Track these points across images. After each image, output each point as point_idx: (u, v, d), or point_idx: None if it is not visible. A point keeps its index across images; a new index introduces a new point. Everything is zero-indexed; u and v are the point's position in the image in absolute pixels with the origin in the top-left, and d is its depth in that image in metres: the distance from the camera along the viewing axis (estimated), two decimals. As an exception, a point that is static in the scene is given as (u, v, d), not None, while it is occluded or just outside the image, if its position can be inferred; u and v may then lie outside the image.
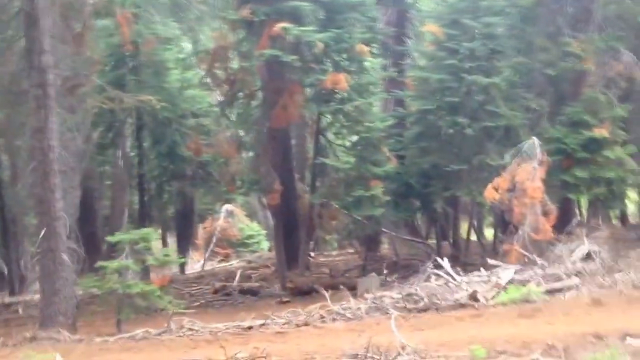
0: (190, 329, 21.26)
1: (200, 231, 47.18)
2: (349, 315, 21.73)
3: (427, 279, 25.00)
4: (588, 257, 24.80)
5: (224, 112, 32.30)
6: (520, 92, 30.86)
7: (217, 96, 33.99)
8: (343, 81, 28.11)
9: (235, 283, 32.37)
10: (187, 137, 33.44)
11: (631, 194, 37.96)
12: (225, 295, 31.16)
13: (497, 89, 29.72)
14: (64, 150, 22.66)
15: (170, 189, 36.84)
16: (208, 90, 33.81)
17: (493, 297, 21.47)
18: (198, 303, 29.76)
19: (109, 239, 23.87)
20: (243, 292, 31.19)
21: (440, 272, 24.78)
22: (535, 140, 26.67)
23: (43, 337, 20.75)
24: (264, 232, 49.81)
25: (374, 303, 22.31)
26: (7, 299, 31.74)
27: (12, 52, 26.02)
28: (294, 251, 31.91)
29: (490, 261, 25.94)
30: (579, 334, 15.59)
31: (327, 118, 32.01)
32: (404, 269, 30.58)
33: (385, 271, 28.59)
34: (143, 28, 32.57)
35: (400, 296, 22.38)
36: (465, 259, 30.57)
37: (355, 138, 31.87)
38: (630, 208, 40.27)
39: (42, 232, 21.98)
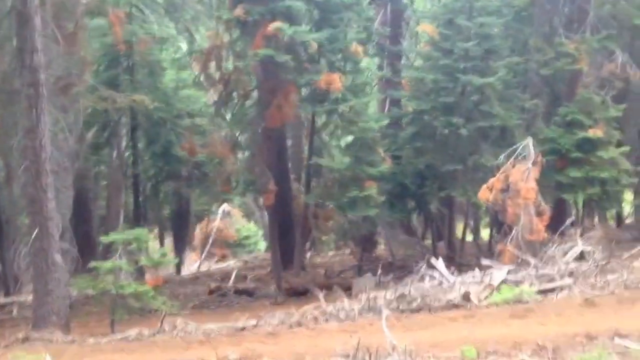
0: (184, 330, 21.22)
1: (197, 232, 47.25)
2: (342, 315, 21.69)
3: (421, 280, 25.00)
4: (581, 257, 24.82)
5: (219, 112, 32.29)
6: (515, 93, 30.90)
7: (212, 96, 33.97)
8: (337, 81, 28.06)
9: (230, 284, 32.38)
10: (182, 137, 33.42)
11: (627, 194, 37.88)
12: (220, 296, 31.12)
13: (491, 89, 29.70)
14: (56, 150, 22.61)
15: (165, 189, 36.85)
16: (203, 90, 33.80)
17: (486, 298, 21.45)
18: (193, 304, 29.73)
19: (102, 239, 23.85)
20: (238, 292, 31.15)
21: (434, 273, 24.78)
22: (529, 140, 26.68)
23: (36, 338, 20.66)
24: (260, 232, 49.88)
25: (368, 304, 22.28)
26: (2, 300, 31.63)
27: (3, 51, 25.97)
28: (289, 252, 31.91)
29: (484, 261, 25.97)
30: (570, 335, 15.61)
31: (322, 118, 32.00)
32: (400, 270, 30.53)
33: (379, 271, 28.44)
34: (137, 28, 32.55)
35: (393, 297, 22.36)
36: (460, 260, 30.55)
37: (350, 138, 31.87)
38: (627, 209, 40.21)
39: (35, 232, 21.93)
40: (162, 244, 41.45)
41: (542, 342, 14.76)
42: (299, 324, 21.12)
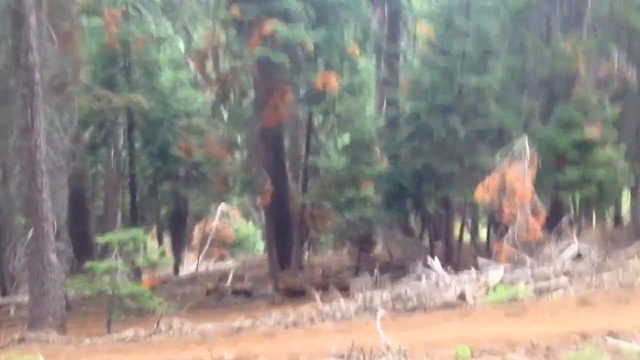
0: (180, 330, 21.23)
1: (196, 232, 47.27)
2: (338, 315, 21.67)
3: (418, 279, 25.01)
4: (578, 256, 24.84)
5: (216, 112, 32.31)
6: (513, 93, 30.90)
7: (209, 96, 33.97)
8: (333, 81, 28.14)
9: (228, 284, 32.40)
10: (179, 137, 33.41)
11: (625, 194, 37.89)
12: (218, 296, 31.17)
13: (488, 89, 29.73)
14: (51, 150, 22.56)
15: (163, 189, 36.85)
16: (200, 90, 33.80)
17: (481, 297, 21.45)
18: (190, 304, 29.71)
19: (98, 239, 23.85)
20: (236, 292, 31.20)
21: (431, 273, 24.80)
22: (525, 140, 26.69)
23: (32, 338, 20.66)
24: (259, 232, 49.89)
25: (364, 303, 22.28)
26: (-1, 300, 31.73)
27: (-1, 50, 25.92)
28: (287, 252, 31.95)
29: (481, 261, 25.99)
30: (565, 333, 15.56)
31: (319, 118, 32.04)
32: (397, 269, 30.51)
33: (375, 271, 28.43)
34: (134, 27, 32.54)
35: (389, 297, 22.36)
36: (458, 259, 30.56)
37: (347, 139, 31.91)
38: (625, 208, 40.20)
39: (30, 233, 21.92)
40: (160, 244, 41.51)
41: (536, 341, 14.71)
42: (295, 324, 21.10)
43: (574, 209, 32.58)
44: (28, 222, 22.58)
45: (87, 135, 34.29)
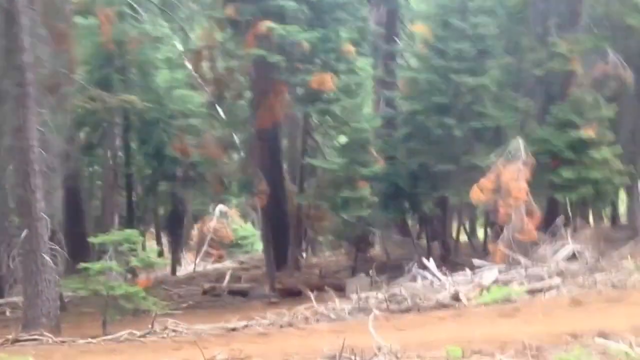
0: (174, 331, 21.25)
1: (195, 232, 47.27)
2: (332, 316, 21.75)
3: (413, 280, 25.06)
4: (573, 257, 24.86)
5: (211, 112, 32.31)
6: (509, 93, 30.91)
7: (206, 96, 33.94)
8: (329, 81, 28.11)
9: (224, 284, 32.41)
10: (175, 137, 33.35)
11: (623, 194, 37.87)
12: (214, 296, 31.19)
13: (485, 89, 29.75)
14: (44, 151, 22.53)
15: (161, 189, 36.83)
16: (195, 90, 33.78)
17: (475, 297, 21.50)
18: (187, 304, 29.73)
19: (92, 240, 23.84)
20: (232, 293, 31.23)
21: (426, 273, 24.83)
22: (520, 141, 26.70)
23: (25, 339, 20.66)
24: (257, 233, 49.85)
25: (359, 304, 22.33)
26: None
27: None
28: (284, 252, 31.96)
29: (475, 261, 26.02)
30: (556, 334, 15.63)
31: (315, 118, 32.03)
32: (394, 270, 30.53)
33: (371, 271, 28.45)
34: (129, 27, 32.48)
35: (384, 297, 22.40)
36: (454, 259, 30.58)
37: (342, 139, 31.92)
38: (622, 208, 40.20)
39: (24, 234, 21.90)
40: (159, 244, 41.53)
41: (527, 341, 14.72)
42: (290, 325, 21.18)
43: (570, 210, 32.54)
44: (21, 223, 22.55)
45: (82, 135, 34.30)
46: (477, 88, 29.75)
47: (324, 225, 33.97)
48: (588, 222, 35.14)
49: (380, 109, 36.68)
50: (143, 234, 37.33)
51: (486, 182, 26.08)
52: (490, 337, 16.16)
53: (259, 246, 47.98)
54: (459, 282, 23.41)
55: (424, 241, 35.40)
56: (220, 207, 46.74)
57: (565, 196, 30.00)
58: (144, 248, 34.39)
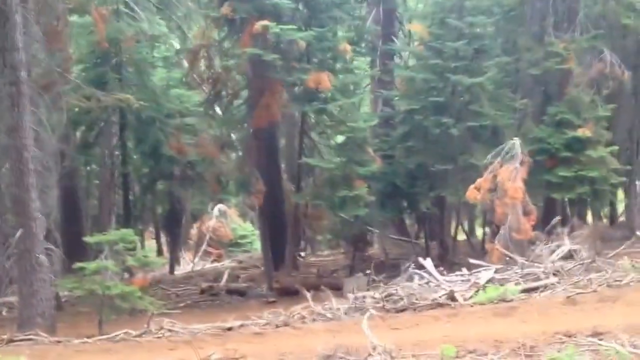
0: (170, 330, 21.22)
1: (194, 231, 47.23)
2: (329, 315, 21.72)
3: (410, 279, 25.02)
4: (569, 256, 24.85)
5: (208, 111, 32.31)
6: (506, 92, 30.93)
7: (203, 95, 33.96)
8: (326, 80, 28.10)
9: (222, 283, 32.42)
10: (171, 136, 33.32)
11: (621, 194, 37.91)
12: (212, 296, 31.19)
13: (482, 88, 29.77)
14: (39, 150, 22.50)
15: (158, 188, 36.82)
16: (191, 89, 33.77)
17: (471, 297, 21.49)
18: (184, 303, 29.77)
19: (87, 239, 23.82)
20: (230, 292, 31.22)
21: (423, 272, 24.81)
22: (516, 140, 26.71)
23: (20, 339, 20.63)
24: (256, 232, 49.81)
25: (355, 303, 22.31)
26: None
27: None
28: (282, 251, 31.95)
29: (472, 261, 26.02)
30: (551, 333, 15.61)
31: (312, 118, 32.03)
32: (392, 269, 30.53)
33: (367, 271, 28.43)
34: (125, 25, 32.42)
35: (380, 296, 22.39)
36: (453, 259, 30.58)
37: (340, 138, 31.92)
38: (621, 207, 40.21)
39: (19, 233, 21.88)
40: (158, 243, 41.52)
41: (522, 340, 14.73)
42: (286, 324, 21.10)
43: (569, 209, 32.59)
44: (16, 223, 22.52)
45: (78, 134, 34.27)
46: (474, 87, 29.76)
47: (322, 224, 33.93)
48: (586, 222, 35.14)
49: (378, 108, 36.67)
50: (141, 233, 37.43)
51: (483, 181, 26.10)
52: (485, 336, 16.13)
53: (258, 245, 48.00)
54: (456, 281, 23.37)
55: (422, 241, 35.43)
56: (219, 206, 46.64)
57: (562, 195, 30.08)
58: (142, 247, 34.42)
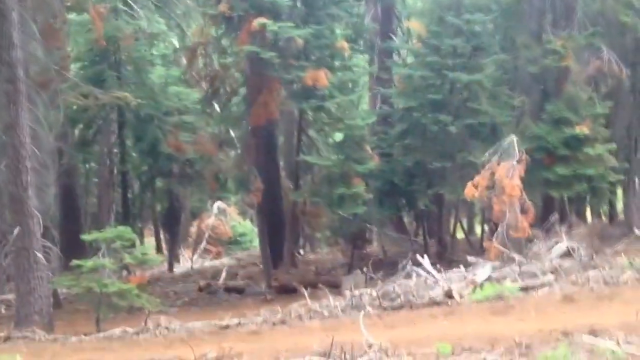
0: (167, 328, 21.22)
1: (193, 229, 47.16)
2: (326, 313, 21.70)
3: (408, 277, 24.98)
4: (567, 254, 24.84)
5: (206, 108, 32.30)
6: (504, 90, 30.89)
7: (200, 92, 33.91)
8: (323, 78, 28.08)
9: (220, 281, 32.39)
10: (169, 134, 33.29)
11: (620, 191, 37.89)
12: (210, 294, 31.16)
13: (480, 86, 29.75)
14: (36, 148, 22.49)
15: (157, 186, 36.81)
16: (189, 86, 33.73)
17: (468, 294, 21.46)
18: (182, 301, 29.74)
19: (84, 237, 23.80)
20: (228, 290, 31.20)
21: (420, 270, 24.77)
22: (514, 138, 26.68)
23: (17, 337, 20.64)
24: (256, 229, 49.74)
25: (352, 301, 22.29)
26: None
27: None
28: (280, 249, 31.93)
29: (470, 258, 25.99)
30: (547, 331, 15.62)
31: (310, 115, 32.01)
32: (390, 267, 30.49)
33: (365, 268, 28.39)
34: (124, 23, 32.39)
35: (377, 294, 22.37)
36: (451, 256, 30.57)
37: (338, 135, 31.91)
38: (620, 205, 40.19)
39: (16, 231, 21.88)
40: (157, 241, 41.47)
41: (518, 338, 14.71)
42: (283, 322, 21.13)
43: (567, 207, 32.58)
44: (13, 220, 22.52)
45: (77, 132, 34.25)
46: (472, 85, 29.77)
47: (320, 222, 33.94)
48: (585, 219, 35.15)
49: (376, 106, 36.64)
50: (141, 231, 37.43)
51: (480, 179, 26.07)
52: (481, 334, 16.13)
53: (257, 243, 47.98)
54: (453, 279, 23.31)
55: (421, 238, 35.41)
56: (219, 204, 46.59)
57: (560, 193, 30.06)
58: (141, 244, 34.38)
